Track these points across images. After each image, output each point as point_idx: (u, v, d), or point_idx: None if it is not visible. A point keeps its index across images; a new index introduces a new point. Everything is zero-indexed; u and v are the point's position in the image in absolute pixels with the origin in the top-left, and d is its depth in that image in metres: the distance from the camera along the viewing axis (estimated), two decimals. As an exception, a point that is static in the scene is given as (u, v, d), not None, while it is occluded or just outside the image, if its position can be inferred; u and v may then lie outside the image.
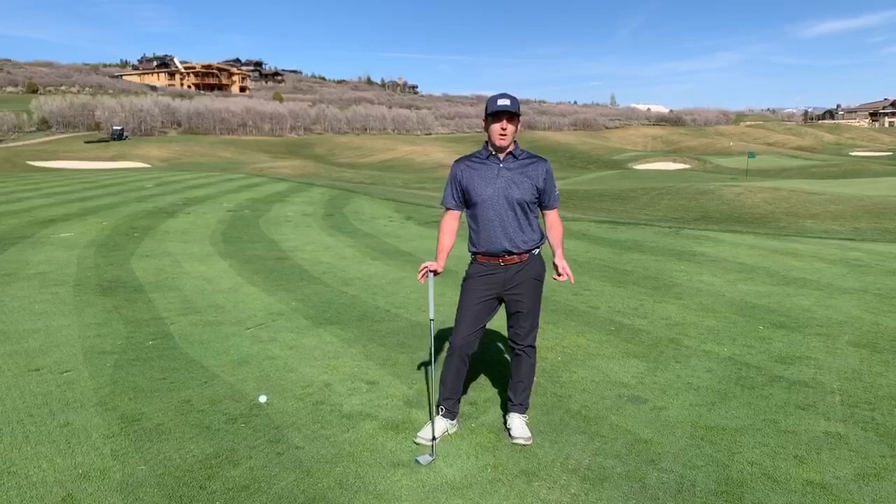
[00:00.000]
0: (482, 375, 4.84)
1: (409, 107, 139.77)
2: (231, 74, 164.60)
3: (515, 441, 3.72)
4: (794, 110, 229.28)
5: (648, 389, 4.57)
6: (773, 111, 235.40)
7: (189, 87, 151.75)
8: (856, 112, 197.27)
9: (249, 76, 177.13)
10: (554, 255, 3.79)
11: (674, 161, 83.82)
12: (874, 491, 3.21)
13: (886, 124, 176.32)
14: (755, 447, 3.68)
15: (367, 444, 3.71)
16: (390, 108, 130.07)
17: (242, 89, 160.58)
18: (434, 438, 3.65)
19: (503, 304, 3.78)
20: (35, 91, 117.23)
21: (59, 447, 3.58)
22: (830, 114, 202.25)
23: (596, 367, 5.03)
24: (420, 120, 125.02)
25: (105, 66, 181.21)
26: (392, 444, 3.71)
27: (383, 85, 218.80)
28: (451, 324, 6.12)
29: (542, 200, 3.70)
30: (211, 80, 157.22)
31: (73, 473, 3.30)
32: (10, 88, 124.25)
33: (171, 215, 15.49)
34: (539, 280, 3.73)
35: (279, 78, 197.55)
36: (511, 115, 3.49)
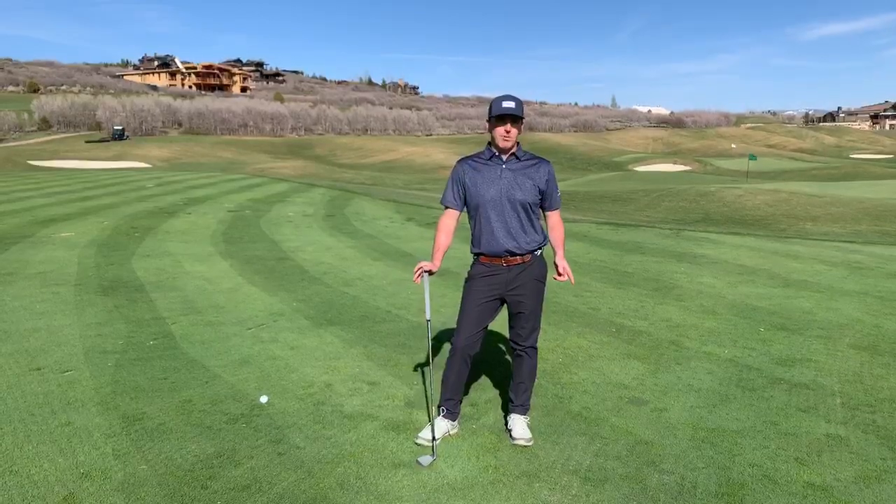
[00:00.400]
0: (483, 376, 4.84)
1: (410, 108, 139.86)
2: (232, 75, 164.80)
3: (516, 442, 3.73)
4: (795, 113, 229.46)
5: (649, 391, 4.58)
6: (774, 113, 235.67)
7: (190, 87, 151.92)
8: (857, 115, 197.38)
9: (250, 76, 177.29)
10: (555, 256, 3.81)
11: (674, 163, 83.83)
12: (875, 493, 3.22)
13: (887, 127, 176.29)
14: (756, 449, 3.68)
15: (368, 444, 3.72)
16: (391, 108, 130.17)
17: (243, 89, 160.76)
18: (434, 439, 3.66)
19: (505, 305, 3.79)
20: (36, 91, 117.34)
21: (60, 447, 3.58)
22: (831, 116, 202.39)
23: (597, 369, 5.03)
24: (421, 121, 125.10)
25: (106, 65, 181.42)
26: (393, 445, 3.71)
27: (384, 86, 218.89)
28: (451, 325, 6.13)
29: (545, 202, 3.72)
30: (212, 80, 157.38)
31: (75, 473, 3.30)
32: (11, 88, 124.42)
33: (171, 215, 15.49)
34: (541, 281, 3.74)
35: (280, 78, 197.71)
36: (515, 118, 3.50)
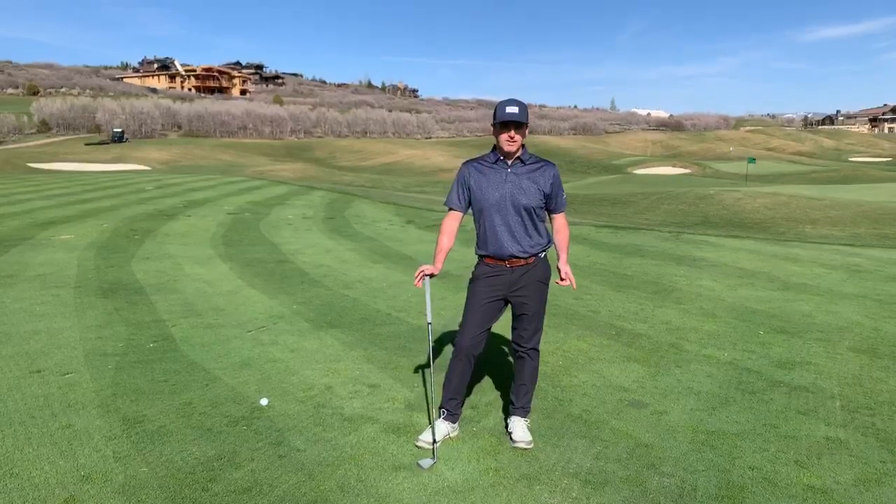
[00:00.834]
0: (484, 379, 4.84)
1: (410, 110, 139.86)
2: (231, 77, 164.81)
3: (517, 445, 3.73)
4: (794, 116, 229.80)
5: (649, 394, 4.58)
6: (773, 116, 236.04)
7: (189, 89, 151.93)
8: (855, 118, 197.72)
9: (250, 79, 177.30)
10: (558, 259, 3.83)
11: (674, 166, 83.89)
12: (875, 496, 3.22)
13: (886, 130, 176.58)
14: (756, 452, 3.68)
15: (368, 447, 3.72)
16: (391, 111, 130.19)
17: (243, 92, 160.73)
18: (435, 442, 3.66)
19: (509, 306, 3.80)
20: (36, 93, 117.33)
21: (60, 449, 3.58)
22: (830, 119, 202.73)
23: (597, 372, 5.04)
24: (420, 124, 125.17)
25: (106, 68, 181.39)
26: (393, 448, 3.72)
27: (384, 88, 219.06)
28: (452, 327, 6.14)
29: (550, 204, 3.73)
30: (211, 82, 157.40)
31: (75, 475, 3.31)
32: (10, 90, 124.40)
33: (171, 218, 15.50)
34: (545, 283, 3.76)
35: (280, 81, 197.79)
36: (518, 123, 3.51)
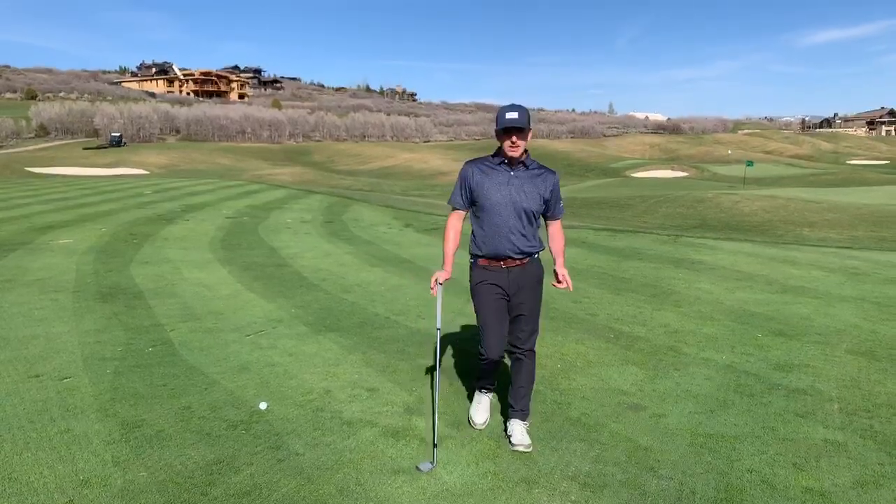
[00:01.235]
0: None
1: (408, 114, 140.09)
2: (230, 81, 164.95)
3: (515, 448, 3.74)
4: (792, 119, 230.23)
5: (648, 397, 4.59)
6: (771, 119, 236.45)
7: (188, 93, 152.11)
8: (853, 121, 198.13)
9: (248, 83, 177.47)
10: (555, 263, 3.88)
11: (672, 169, 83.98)
12: (873, 499, 3.23)
13: (883, 133, 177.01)
14: (754, 455, 3.69)
15: (367, 450, 3.72)
16: (389, 115, 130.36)
17: (241, 96, 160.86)
18: (434, 445, 3.67)
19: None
20: (34, 97, 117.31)
21: (59, 454, 3.58)
22: (828, 122, 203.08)
23: (595, 375, 5.04)
24: (419, 127, 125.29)
25: (104, 72, 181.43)
26: (392, 451, 3.72)
27: (382, 92, 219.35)
28: (453, 331, 6.15)
29: (547, 210, 3.81)
30: (210, 87, 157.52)
31: (74, 480, 3.30)
32: (8, 95, 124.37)
33: (169, 222, 15.49)
34: (539, 283, 3.82)
35: (278, 85, 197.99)
36: (520, 129, 3.56)
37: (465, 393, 4.66)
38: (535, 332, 3.83)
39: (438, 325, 3.92)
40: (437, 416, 3.89)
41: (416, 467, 3.52)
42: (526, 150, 3.68)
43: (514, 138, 3.56)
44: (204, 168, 64.29)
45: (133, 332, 6.07)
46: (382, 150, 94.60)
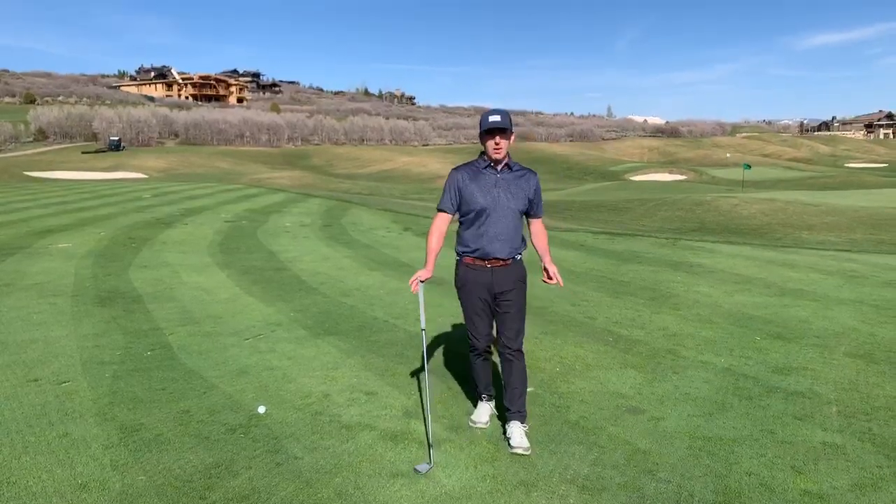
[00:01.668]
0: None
1: (407, 118, 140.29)
2: (229, 85, 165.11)
3: (515, 451, 3.75)
4: (790, 122, 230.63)
5: (646, 400, 4.59)
6: (769, 123, 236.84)
7: (187, 97, 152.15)
8: (851, 124, 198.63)
9: (247, 87, 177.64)
10: (542, 261, 4.00)
11: (670, 172, 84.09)
12: (871, 501, 3.23)
13: (881, 136, 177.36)
14: (752, 457, 3.69)
15: (366, 454, 3.72)
16: (388, 119, 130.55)
17: (240, 100, 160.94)
18: (430, 445, 3.69)
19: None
20: (32, 101, 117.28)
21: (58, 458, 3.58)
22: (826, 125, 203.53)
23: (594, 378, 5.05)
24: (417, 131, 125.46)
25: (103, 76, 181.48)
26: (391, 455, 3.72)
27: (381, 96, 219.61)
28: (446, 331, 6.16)
29: (531, 209, 3.95)
30: (208, 90, 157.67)
31: (73, 484, 3.30)
32: (7, 99, 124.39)
33: (168, 226, 15.49)
34: (523, 282, 3.94)
35: (277, 89, 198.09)
36: (503, 130, 3.70)
37: (462, 396, 4.67)
38: (521, 331, 3.93)
39: (423, 327, 4.02)
40: (428, 415, 3.90)
41: (414, 469, 3.52)
42: (508, 154, 3.82)
43: (497, 139, 3.71)
44: (203, 172, 64.32)
45: (132, 336, 6.07)
46: (381, 154, 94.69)
